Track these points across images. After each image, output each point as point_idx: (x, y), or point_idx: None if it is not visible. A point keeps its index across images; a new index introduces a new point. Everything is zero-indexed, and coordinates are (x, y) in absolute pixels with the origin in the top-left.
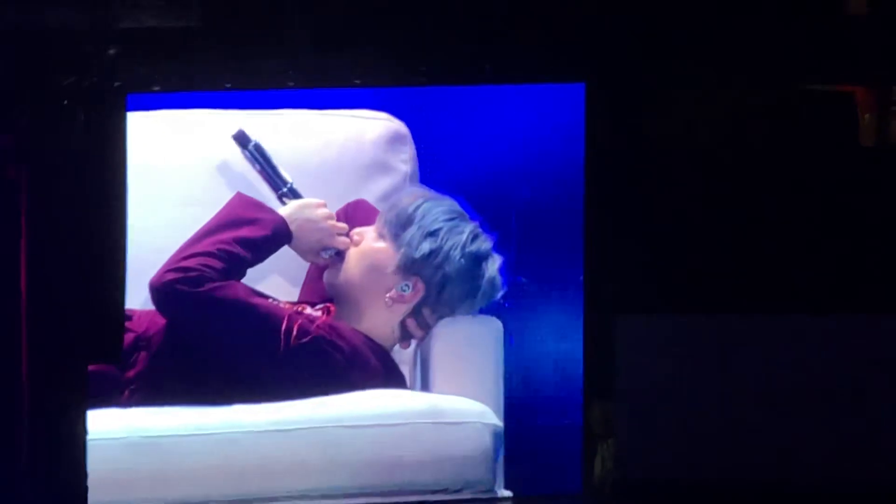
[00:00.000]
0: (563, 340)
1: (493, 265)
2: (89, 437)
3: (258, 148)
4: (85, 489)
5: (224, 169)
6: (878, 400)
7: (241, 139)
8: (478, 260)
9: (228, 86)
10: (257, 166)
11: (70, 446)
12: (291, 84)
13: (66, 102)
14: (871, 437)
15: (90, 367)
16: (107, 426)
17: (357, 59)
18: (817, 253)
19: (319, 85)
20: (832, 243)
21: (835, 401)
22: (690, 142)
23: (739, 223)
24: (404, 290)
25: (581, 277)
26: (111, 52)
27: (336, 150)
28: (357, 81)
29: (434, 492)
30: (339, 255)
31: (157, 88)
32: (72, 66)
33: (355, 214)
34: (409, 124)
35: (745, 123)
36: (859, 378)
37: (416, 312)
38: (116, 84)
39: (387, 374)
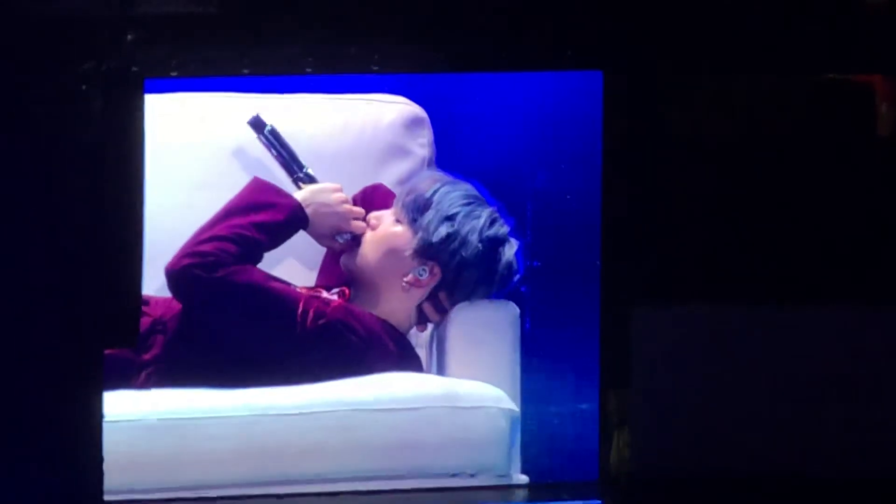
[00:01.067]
0: (579, 326)
1: (510, 250)
2: (106, 419)
3: (274, 133)
4: (101, 472)
5: (240, 153)
6: None
7: (257, 124)
8: (495, 244)
9: (246, 72)
10: (273, 151)
11: (86, 429)
12: (309, 70)
13: (84, 87)
14: (892, 431)
15: (106, 351)
16: (124, 408)
17: (375, 45)
18: (837, 245)
19: (337, 71)
20: (851, 235)
21: (855, 393)
22: (708, 132)
23: (757, 214)
24: (421, 275)
25: (598, 262)
26: (129, 37)
27: (353, 135)
28: (375, 68)
29: (450, 476)
30: (356, 239)
31: (174, 74)
32: (90, 51)
33: (372, 198)
34: (426, 109)
35: (763, 113)
36: (880, 370)
37: (432, 296)
38: (134, 69)
39: (403, 358)
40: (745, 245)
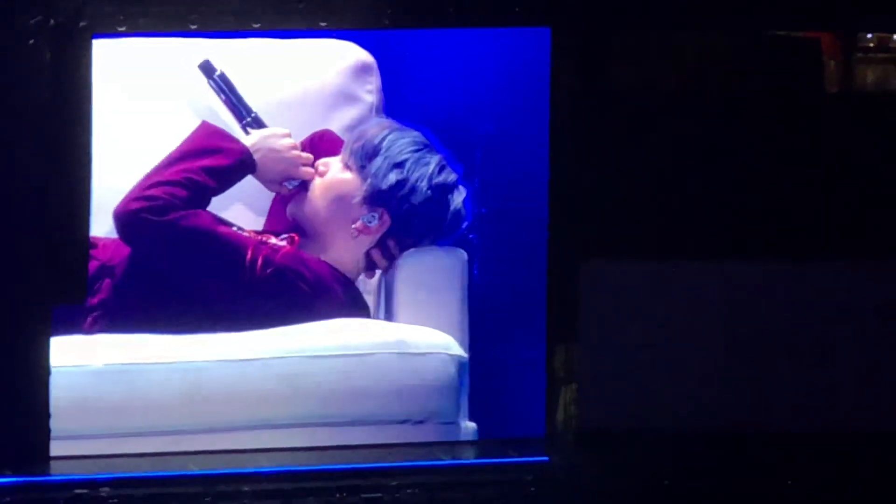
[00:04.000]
0: (527, 273)
1: (459, 197)
2: (54, 364)
3: (223, 78)
4: (48, 427)
5: (189, 97)
6: (847, 348)
7: (207, 69)
8: (444, 191)
9: (194, 27)
10: (222, 96)
11: (32, 377)
12: (257, 26)
13: (32, 41)
14: (838, 386)
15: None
16: (70, 354)
17: (323, 2)
18: (784, 199)
19: (285, 27)
20: (798, 189)
21: (801, 349)
22: (657, 88)
23: (705, 169)
24: (370, 222)
25: (546, 214)
26: None
27: (301, 80)
28: (323, 24)
29: (399, 422)
30: (304, 185)
31: (122, 29)
32: (38, 5)
33: (320, 145)
34: (374, 56)
35: (712, 69)
36: (827, 326)
37: (381, 243)
38: (82, 24)
39: (351, 304)
40: (694, 200)
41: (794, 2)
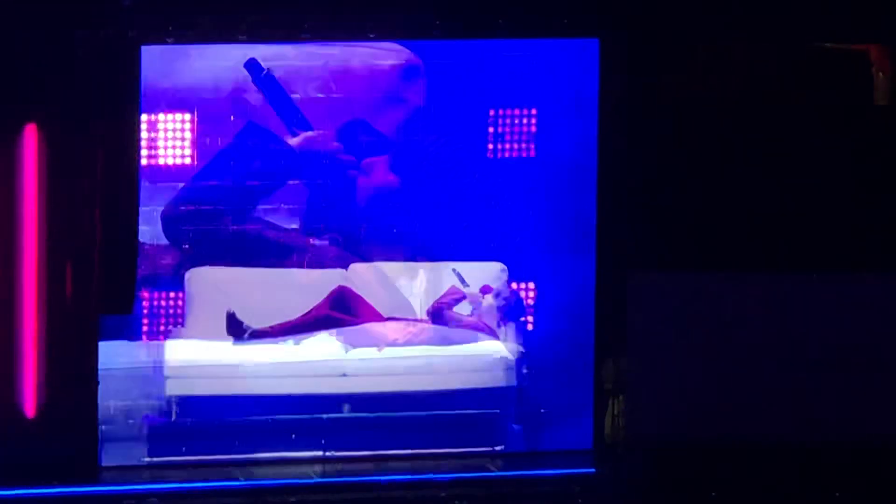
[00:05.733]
0: (576, 282)
1: None
2: (102, 367)
3: (270, 77)
4: (97, 432)
5: (235, 98)
6: (893, 358)
7: (253, 68)
8: None
9: (243, 38)
10: (269, 95)
11: (81, 389)
12: (306, 36)
13: (80, 53)
14: (886, 396)
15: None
16: (122, 358)
17: (371, 12)
18: (831, 211)
19: (333, 38)
20: (846, 201)
21: (848, 359)
22: (706, 100)
23: (753, 180)
24: None
25: (593, 219)
26: (126, 3)
27: (348, 81)
28: (371, 35)
29: (450, 423)
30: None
31: (170, 41)
32: (87, 17)
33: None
34: (421, 57)
35: (761, 80)
36: (879, 336)
37: None
38: (130, 35)
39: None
40: (743, 210)
41: (843, 14)
